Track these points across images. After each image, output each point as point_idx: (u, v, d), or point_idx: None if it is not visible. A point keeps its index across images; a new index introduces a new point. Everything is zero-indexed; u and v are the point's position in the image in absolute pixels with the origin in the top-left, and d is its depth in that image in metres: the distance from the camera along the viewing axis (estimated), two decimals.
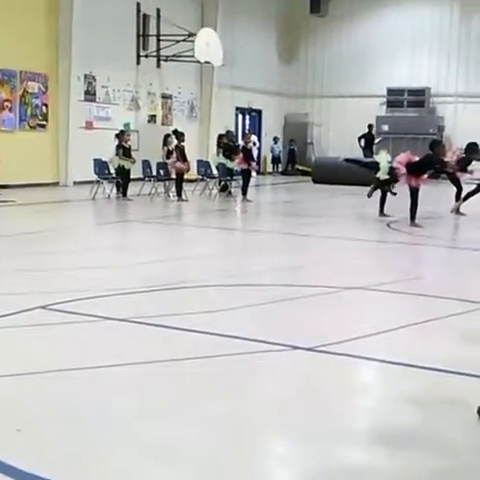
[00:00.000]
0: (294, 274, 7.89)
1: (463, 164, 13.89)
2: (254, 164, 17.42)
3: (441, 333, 5.51)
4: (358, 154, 22.88)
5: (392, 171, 12.57)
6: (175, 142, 16.70)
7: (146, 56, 21.76)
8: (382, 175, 12.97)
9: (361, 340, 5.20)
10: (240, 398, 4.10)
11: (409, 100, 26.77)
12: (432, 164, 12.39)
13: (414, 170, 12.17)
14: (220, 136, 19.23)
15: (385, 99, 27.20)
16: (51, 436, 3.48)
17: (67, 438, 3.46)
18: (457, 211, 13.67)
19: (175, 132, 16.87)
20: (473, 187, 13.45)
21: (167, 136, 17.55)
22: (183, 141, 16.56)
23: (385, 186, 13.25)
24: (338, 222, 12.96)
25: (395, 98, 26.87)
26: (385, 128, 23.14)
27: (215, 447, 3.43)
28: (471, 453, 3.14)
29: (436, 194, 14.22)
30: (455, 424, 3.72)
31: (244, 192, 16.43)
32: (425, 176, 12.32)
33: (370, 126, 25.41)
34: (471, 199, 13.54)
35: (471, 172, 13.98)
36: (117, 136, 16.56)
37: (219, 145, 18.77)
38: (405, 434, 3.60)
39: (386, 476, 3.03)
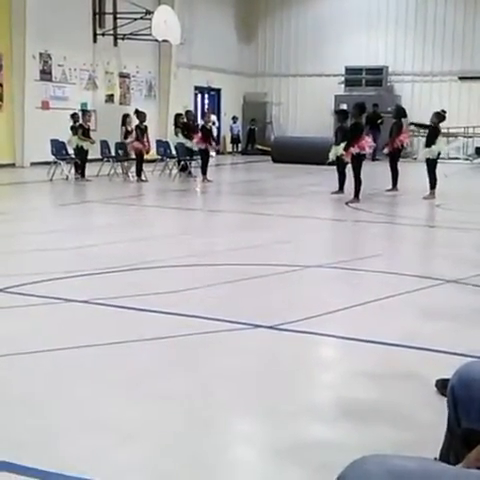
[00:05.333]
0: (255, 253, 7.92)
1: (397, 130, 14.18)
2: (214, 143, 17.30)
3: (399, 309, 5.60)
4: (326, 132, 23.04)
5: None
6: (135, 122, 16.54)
7: (103, 34, 21.44)
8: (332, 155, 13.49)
9: (322, 317, 5.26)
10: (202, 377, 4.12)
11: (367, 79, 26.90)
12: (359, 128, 12.71)
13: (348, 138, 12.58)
14: (177, 115, 19.08)
15: (343, 78, 27.31)
16: (8, 418, 3.46)
17: (25, 420, 3.44)
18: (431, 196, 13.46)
19: (137, 112, 16.67)
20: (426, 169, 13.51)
21: (126, 116, 17.36)
22: (144, 121, 16.39)
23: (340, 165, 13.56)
24: (298, 201, 13.02)
25: (353, 77, 26.98)
26: (344, 107, 23.18)
27: (178, 426, 3.45)
28: (430, 426, 3.21)
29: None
30: (414, 398, 3.80)
31: (204, 172, 16.39)
32: (365, 141, 12.61)
33: (374, 105, 24.28)
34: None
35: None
36: (73, 116, 16.33)
37: (177, 125, 18.63)
38: (367, 408, 3.67)
39: (350, 450, 3.09)
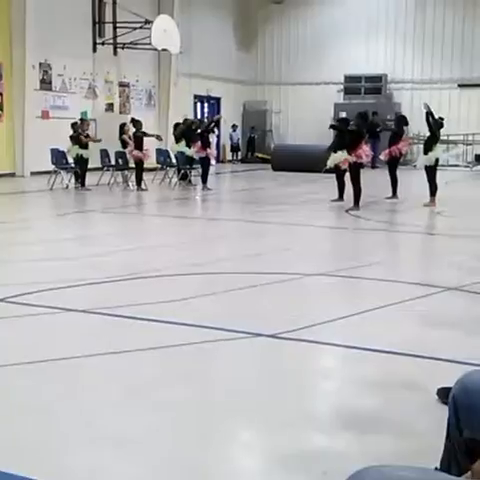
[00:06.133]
0: (256, 261, 7.91)
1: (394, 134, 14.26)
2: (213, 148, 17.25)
3: (400, 317, 5.59)
4: (326, 140, 22.99)
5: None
6: (133, 130, 16.57)
7: (103, 44, 21.49)
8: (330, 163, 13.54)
9: (322, 326, 5.25)
10: (202, 386, 4.10)
11: (366, 87, 26.96)
12: (361, 133, 12.78)
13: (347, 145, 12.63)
14: (176, 124, 19.11)
15: (343, 86, 27.35)
16: (9, 426, 3.45)
17: (27, 429, 3.43)
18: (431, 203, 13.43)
19: (133, 121, 16.73)
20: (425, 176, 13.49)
21: (123, 125, 17.39)
22: (141, 129, 16.42)
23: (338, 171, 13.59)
24: (298, 209, 13.02)
25: (352, 85, 27.03)
26: (343, 115, 23.24)
27: (177, 435, 3.43)
28: (431, 435, 3.19)
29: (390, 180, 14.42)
30: (415, 406, 3.78)
31: (204, 180, 16.39)
32: (362, 149, 12.65)
33: (373, 113, 24.35)
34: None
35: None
36: (73, 126, 16.35)
37: (175, 134, 18.65)
38: (368, 417, 3.66)
39: (350, 459, 3.07)
